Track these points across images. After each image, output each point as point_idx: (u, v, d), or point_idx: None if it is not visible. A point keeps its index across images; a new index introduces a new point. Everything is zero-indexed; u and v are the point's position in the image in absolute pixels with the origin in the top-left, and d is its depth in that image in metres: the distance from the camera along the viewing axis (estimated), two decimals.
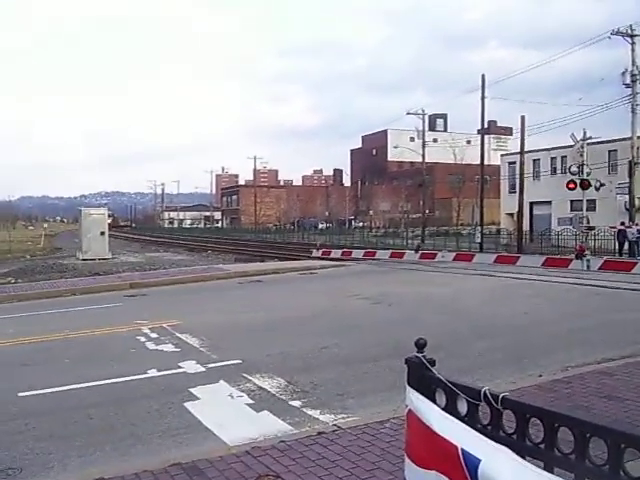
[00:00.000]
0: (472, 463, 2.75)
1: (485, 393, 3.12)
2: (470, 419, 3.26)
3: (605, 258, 27.83)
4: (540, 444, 3.00)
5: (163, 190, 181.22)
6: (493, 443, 2.79)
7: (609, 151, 50.56)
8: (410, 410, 3.37)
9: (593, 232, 38.13)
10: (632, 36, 40.49)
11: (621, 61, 41.69)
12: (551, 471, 2.86)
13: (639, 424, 6.95)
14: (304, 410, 8.15)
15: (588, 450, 2.83)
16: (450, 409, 3.30)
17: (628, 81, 40.44)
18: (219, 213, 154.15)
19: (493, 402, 3.10)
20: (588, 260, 26.40)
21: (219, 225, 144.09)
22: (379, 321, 14.59)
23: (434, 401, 3.35)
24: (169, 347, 12.29)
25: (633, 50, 40.61)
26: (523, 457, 2.77)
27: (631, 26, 40.61)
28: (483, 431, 3.10)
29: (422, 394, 3.33)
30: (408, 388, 3.44)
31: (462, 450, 2.83)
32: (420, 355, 3.44)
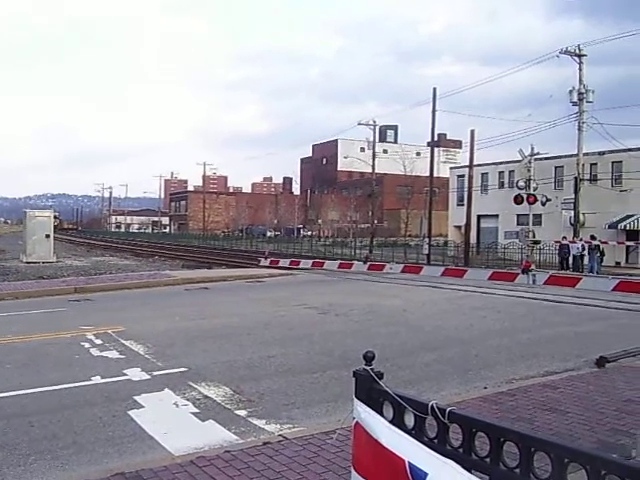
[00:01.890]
0: (419, 477, 2.77)
1: (432, 407, 3.15)
2: (417, 432, 3.28)
3: (550, 273, 28.21)
4: (486, 458, 3.03)
5: (111, 193, 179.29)
6: (440, 457, 2.81)
7: (556, 167, 51.43)
8: (357, 423, 3.37)
9: (538, 246, 38.77)
10: (580, 55, 41.40)
11: (569, 79, 42.60)
12: None
13: (580, 437, 7.08)
14: (250, 420, 8.11)
15: (533, 464, 2.87)
16: (397, 422, 3.32)
17: (575, 99, 41.32)
18: (167, 218, 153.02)
19: (440, 416, 3.13)
20: (534, 275, 26.74)
21: (167, 230, 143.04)
22: (326, 331, 14.58)
23: (381, 414, 3.36)
24: (114, 354, 12.12)
25: (580, 69, 41.54)
26: (469, 471, 2.79)
27: (579, 46, 41.55)
28: (430, 444, 3.12)
29: (370, 407, 3.34)
30: (356, 401, 3.45)
31: (409, 463, 2.84)
32: (368, 368, 3.46)
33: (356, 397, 3.47)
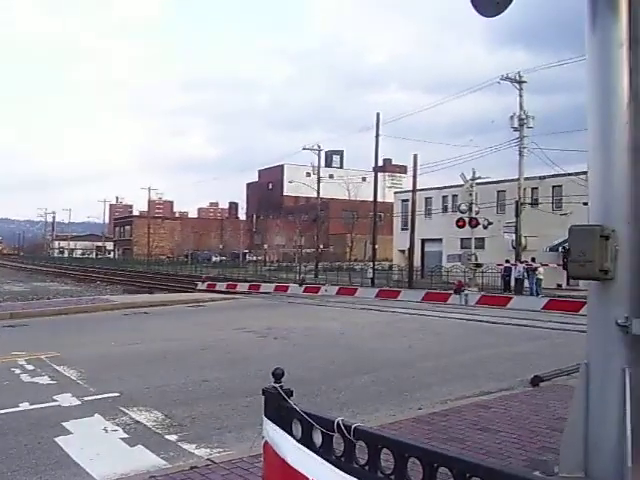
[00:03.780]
0: None
1: (338, 424, 3.08)
2: (325, 450, 3.21)
3: (482, 293, 28.61)
4: (391, 475, 2.98)
5: (54, 218, 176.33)
6: (345, 475, 2.75)
7: (498, 191, 52.09)
8: (266, 442, 3.31)
9: (481, 269, 39.25)
10: (520, 82, 42.26)
11: (511, 106, 43.53)
12: None
13: (510, 455, 7.08)
14: (180, 444, 7.95)
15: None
16: (306, 440, 3.25)
17: (516, 125, 42.12)
18: (112, 243, 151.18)
19: (346, 433, 3.07)
20: (466, 295, 26.99)
21: (111, 256, 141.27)
22: (264, 355, 14.46)
23: (290, 432, 3.29)
24: (45, 379, 11.84)
25: (521, 95, 42.40)
26: None
27: (519, 73, 42.42)
28: (337, 463, 3.06)
29: (279, 425, 3.27)
30: (265, 419, 3.38)
31: None
32: (277, 385, 3.38)
33: (265, 416, 3.40)
